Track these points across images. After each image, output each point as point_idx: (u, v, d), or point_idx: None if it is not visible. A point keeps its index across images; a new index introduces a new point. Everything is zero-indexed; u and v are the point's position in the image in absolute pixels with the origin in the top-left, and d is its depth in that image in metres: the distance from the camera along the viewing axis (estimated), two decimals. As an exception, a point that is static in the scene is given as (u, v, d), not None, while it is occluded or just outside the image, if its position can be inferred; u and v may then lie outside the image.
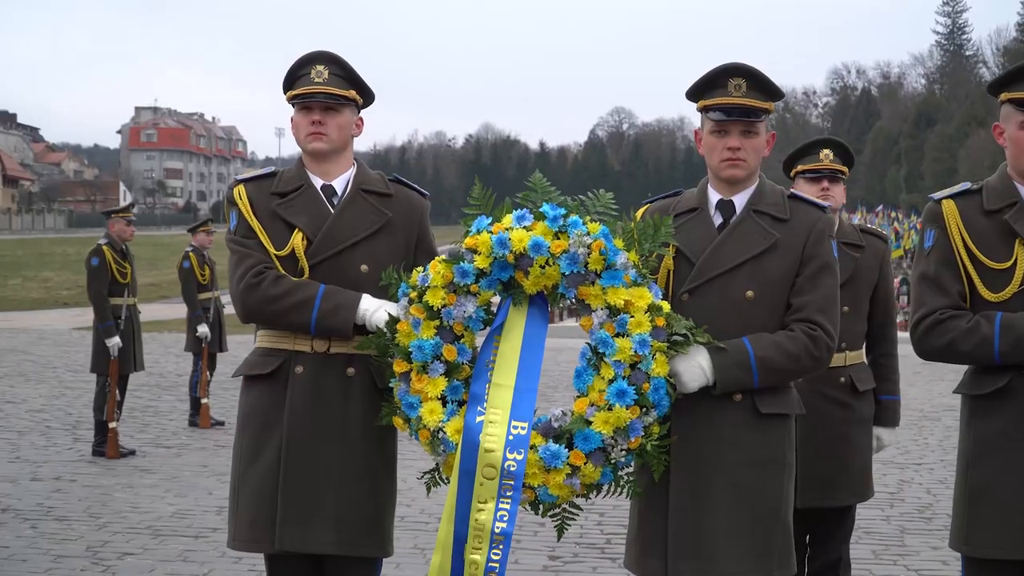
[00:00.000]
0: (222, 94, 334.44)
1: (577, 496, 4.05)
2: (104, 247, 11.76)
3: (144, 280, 26.99)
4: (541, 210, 4.05)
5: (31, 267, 48.69)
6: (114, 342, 11.58)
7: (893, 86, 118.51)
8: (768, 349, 4.03)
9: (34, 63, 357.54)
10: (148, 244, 57.04)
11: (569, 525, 4.14)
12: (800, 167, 5.66)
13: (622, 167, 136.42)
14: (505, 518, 3.95)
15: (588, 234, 3.99)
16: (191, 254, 14.05)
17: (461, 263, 4.04)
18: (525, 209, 4.07)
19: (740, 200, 4.22)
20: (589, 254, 3.96)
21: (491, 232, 4.03)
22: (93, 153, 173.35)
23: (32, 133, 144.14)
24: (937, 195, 4.21)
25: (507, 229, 4.02)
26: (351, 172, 4.54)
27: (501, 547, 3.96)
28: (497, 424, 3.99)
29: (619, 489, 4.07)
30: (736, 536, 4.03)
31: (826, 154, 5.62)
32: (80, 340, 23.56)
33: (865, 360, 5.67)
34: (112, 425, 11.48)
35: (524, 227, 4.02)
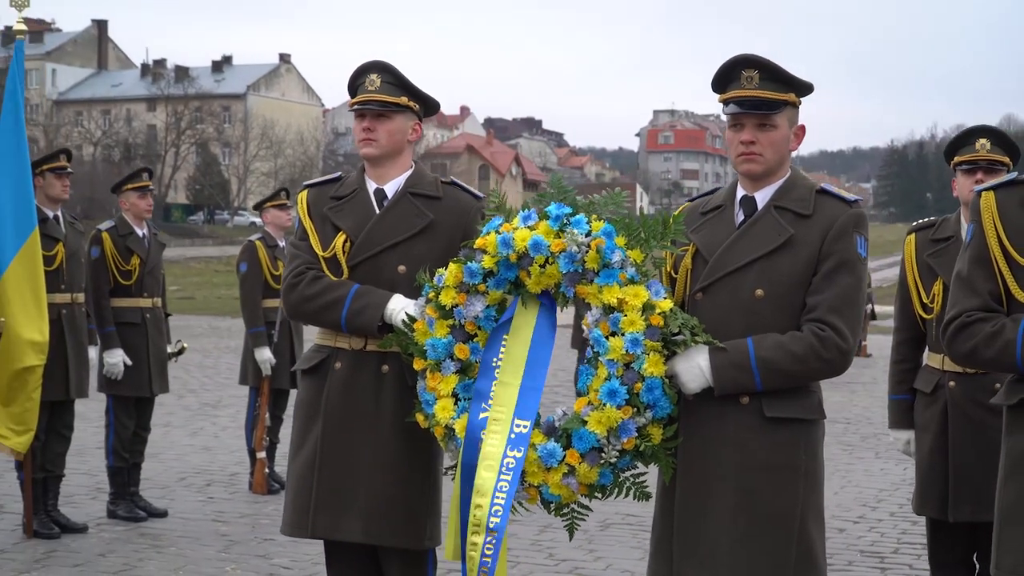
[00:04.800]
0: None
1: (583, 496, 4.04)
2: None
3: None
4: (546, 210, 4.07)
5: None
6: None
7: None
8: (771, 350, 3.87)
9: (559, 72, 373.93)
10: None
11: (578, 525, 4.14)
12: (957, 158, 5.29)
13: None
14: (499, 513, 4.02)
15: (588, 233, 3.97)
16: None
17: (470, 263, 4.14)
18: (532, 209, 4.11)
19: (763, 196, 4.07)
20: (587, 252, 3.95)
21: (499, 232, 4.10)
22: (617, 156, 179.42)
23: (556, 138, 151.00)
24: (980, 186, 3.87)
25: (513, 229, 4.08)
26: (404, 176, 4.71)
27: (494, 540, 4.02)
28: (501, 422, 4.06)
29: (622, 491, 4.02)
30: (743, 543, 3.90)
31: (983, 144, 5.22)
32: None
33: None
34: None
35: (528, 227, 4.06)
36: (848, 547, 8.07)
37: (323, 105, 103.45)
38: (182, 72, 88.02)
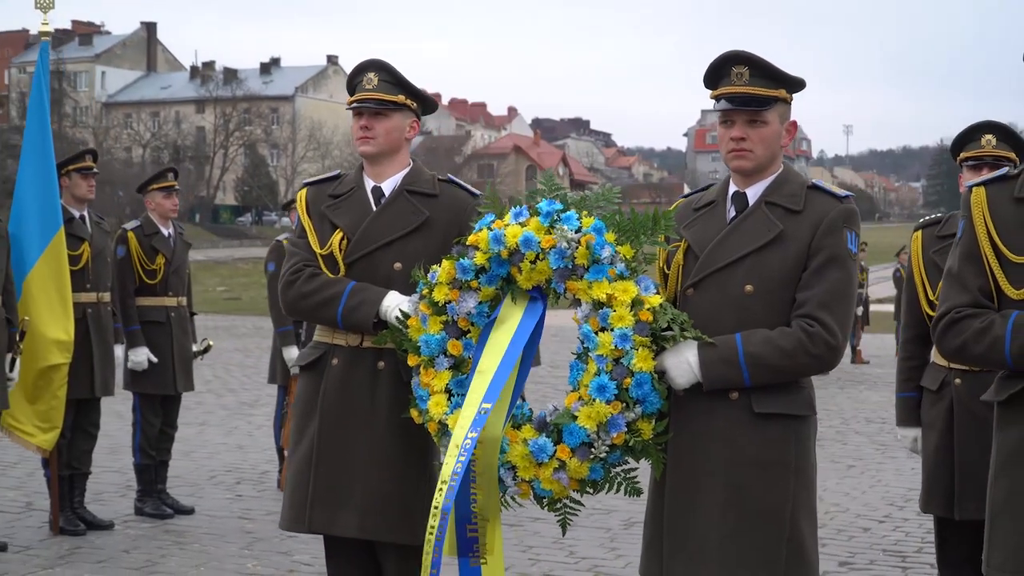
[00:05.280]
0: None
1: (574, 491, 4.05)
2: None
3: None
4: (537, 206, 4.09)
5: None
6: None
7: None
8: (759, 346, 3.87)
9: (608, 72, 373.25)
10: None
11: (571, 521, 4.15)
12: (963, 154, 5.26)
13: None
14: (450, 495, 3.99)
15: (579, 229, 3.99)
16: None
17: (462, 260, 4.16)
18: (524, 206, 4.13)
19: (754, 192, 4.07)
20: (577, 248, 3.97)
21: (491, 229, 4.13)
22: (665, 156, 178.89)
23: (604, 138, 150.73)
24: (972, 181, 3.85)
25: (505, 226, 4.10)
26: (402, 173, 4.75)
27: (439, 522, 4.00)
28: (471, 406, 4.07)
29: (613, 486, 4.03)
30: (732, 538, 3.89)
31: (988, 140, 5.19)
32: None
33: None
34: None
35: (519, 223, 4.08)
36: (871, 546, 8.03)
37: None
38: (230, 74, 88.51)
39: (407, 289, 4.49)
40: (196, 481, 10.01)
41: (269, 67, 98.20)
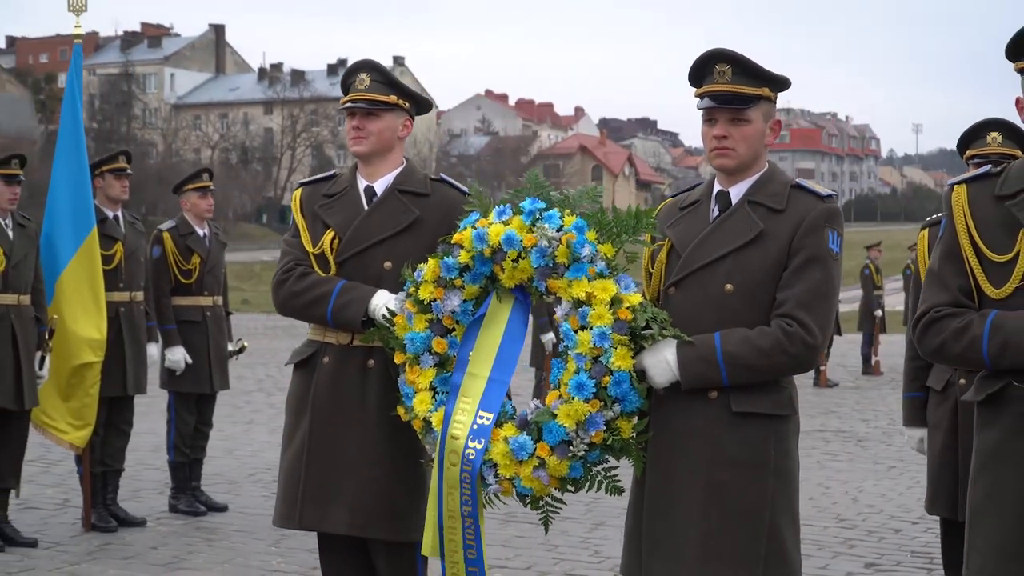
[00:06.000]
0: (857, 92, 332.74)
1: (556, 489, 4.07)
2: None
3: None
4: (520, 205, 4.12)
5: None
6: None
7: None
8: (737, 345, 3.86)
9: (675, 71, 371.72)
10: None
11: (553, 519, 4.17)
12: (969, 152, 5.20)
13: None
14: (468, 502, 4.10)
15: (560, 228, 4.00)
16: None
17: (446, 258, 4.20)
18: (507, 204, 4.15)
19: (737, 191, 4.06)
20: (558, 247, 3.98)
21: (475, 228, 4.16)
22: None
23: (671, 138, 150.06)
24: (954, 179, 3.82)
25: (488, 224, 4.13)
26: (394, 173, 4.79)
27: (472, 528, 4.10)
28: (466, 412, 4.13)
29: (593, 485, 4.04)
30: (711, 537, 3.89)
31: (993, 137, 5.14)
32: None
33: None
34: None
35: (502, 222, 4.11)
36: (900, 548, 7.97)
37: (437, 107, 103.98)
38: (298, 75, 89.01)
39: (397, 288, 4.52)
40: (235, 479, 10.11)
41: (336, 68, 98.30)
